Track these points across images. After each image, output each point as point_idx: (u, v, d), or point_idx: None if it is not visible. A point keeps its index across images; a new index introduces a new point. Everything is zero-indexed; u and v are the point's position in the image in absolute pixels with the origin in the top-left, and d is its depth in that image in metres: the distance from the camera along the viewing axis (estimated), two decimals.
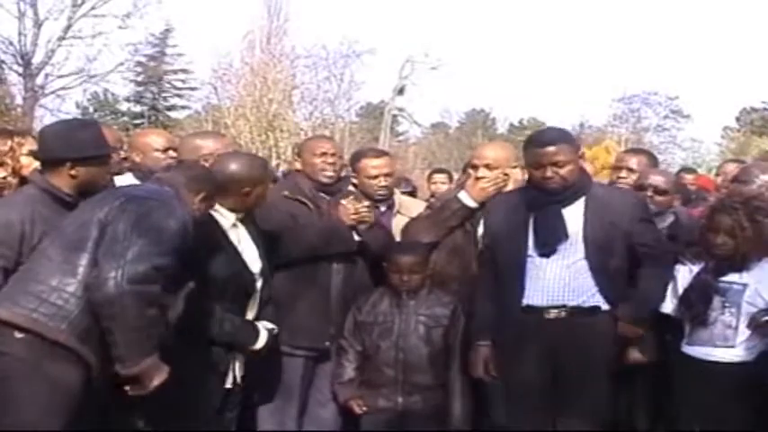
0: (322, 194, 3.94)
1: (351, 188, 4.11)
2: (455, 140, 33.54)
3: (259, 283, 3.44)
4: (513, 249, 3.45)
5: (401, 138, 33.79)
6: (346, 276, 3.85)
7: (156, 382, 2.76)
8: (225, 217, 3.40)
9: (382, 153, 4.42)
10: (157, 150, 4.02)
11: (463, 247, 3.83)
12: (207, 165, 3.48)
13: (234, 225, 3.42)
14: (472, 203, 3.84)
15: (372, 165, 4.16)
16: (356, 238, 3.84)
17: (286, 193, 3.89)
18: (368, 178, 4.16)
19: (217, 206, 3.35)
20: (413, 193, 6.22)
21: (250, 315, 3.42)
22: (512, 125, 40.95)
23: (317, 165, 3.94)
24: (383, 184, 4.17)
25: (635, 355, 3.48)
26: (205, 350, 3.26)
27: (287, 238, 3.69)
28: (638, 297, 3.44)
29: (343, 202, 3.84)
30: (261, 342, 3.38)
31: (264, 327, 3.42)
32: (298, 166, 4.10)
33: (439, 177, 7.69)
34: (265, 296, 3.47)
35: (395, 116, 31.35)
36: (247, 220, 3.50)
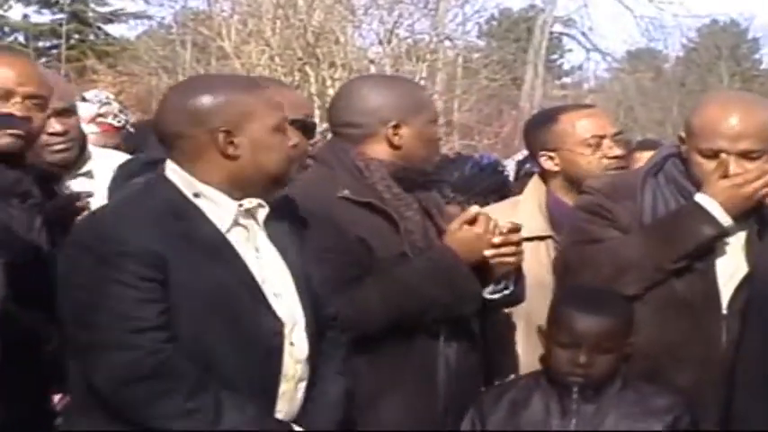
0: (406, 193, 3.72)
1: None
2: (675, 84, 31.93)
3: (297, 343, 3.14)
4: None
5: (569, 79, 32.93)
6: (462, 353, 3.68)
7: None
8: (220, 206, 3.05)
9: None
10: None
11: (692, 301, 3.60)
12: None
13: (237, 223, 3.07)
14: (725, 219, 3.59)
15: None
16: (495, 289, 3.62)
17: (346, 192, 3.58)
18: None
19: (201, 189, 3.05)
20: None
21: (282, 409, 3.13)
22: None
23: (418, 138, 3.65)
24: None
25: None
26: None
27: (359, 294, 3.51)
28: None
29: (471, 214, 3.58)
30: None
31: None
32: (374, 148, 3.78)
33: (648, 156, 7.56)
34: (310, 371, 3.21)
35: (555, 38, 30.15)
36: (274, 219, 3.15)
